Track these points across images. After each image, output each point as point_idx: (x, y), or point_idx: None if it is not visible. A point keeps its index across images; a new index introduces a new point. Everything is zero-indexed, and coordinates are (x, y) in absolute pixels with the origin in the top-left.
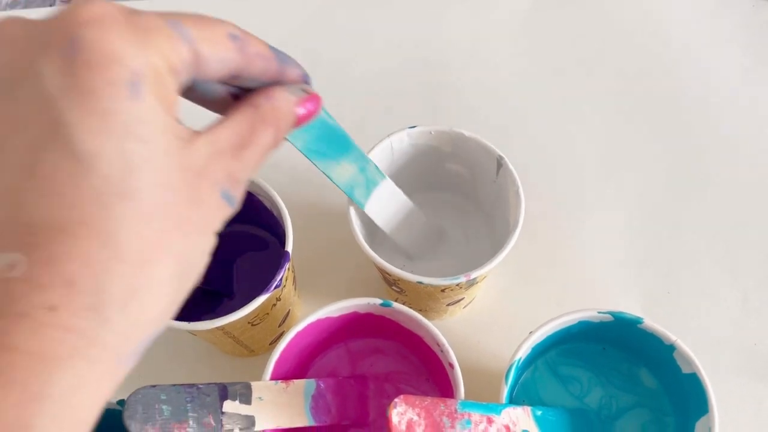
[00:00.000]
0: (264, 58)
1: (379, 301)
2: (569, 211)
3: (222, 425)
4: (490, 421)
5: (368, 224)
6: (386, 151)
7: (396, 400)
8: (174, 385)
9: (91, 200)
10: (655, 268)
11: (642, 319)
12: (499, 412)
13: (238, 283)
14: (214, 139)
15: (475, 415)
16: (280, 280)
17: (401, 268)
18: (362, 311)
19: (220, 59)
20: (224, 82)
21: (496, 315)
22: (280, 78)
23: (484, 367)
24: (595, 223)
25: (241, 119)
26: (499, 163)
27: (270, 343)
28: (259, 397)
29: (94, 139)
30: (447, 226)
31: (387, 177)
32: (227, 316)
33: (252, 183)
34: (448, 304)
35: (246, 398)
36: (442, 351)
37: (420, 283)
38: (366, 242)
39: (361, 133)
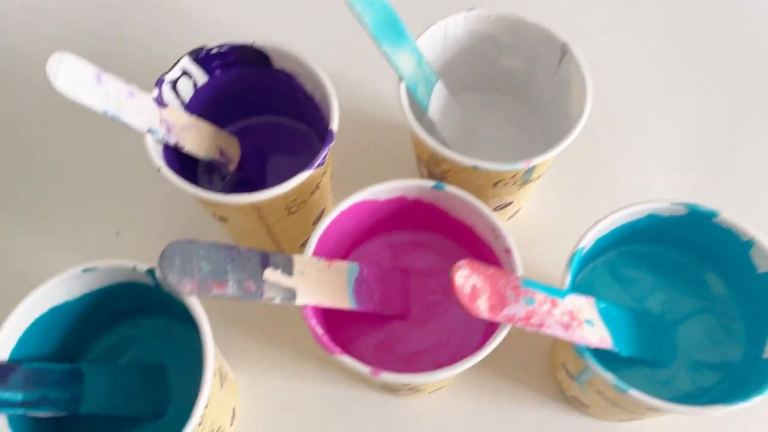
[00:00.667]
0: None
1: (431, 183)
2: (624, 127)
3: (262, 292)
4: (554, 304)
5: (416, 111)
6: (439, 36)
7: (459, 263)
8: (213, 243)
9: None
10: (709, 193)
11: (718, 212)
12: (563, 297)
13: (272, 176)
14: None
15: (540, 295)
16: (324, 158)
17: None
18: (410, 197)
19: None
20: None
21: (540, 230)
22: None
23: None
24: (650, 143)
25: None
26: (563, 50)
27: (301, 245)
28: (301, 272)
29: None
30: (498, 129)
31: (439, 77)
32: (267, 190)
33: (293, 61)
34: (495, 208)
35: (288, 269)
36: (497, 237)
37: (475, 168)
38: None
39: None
